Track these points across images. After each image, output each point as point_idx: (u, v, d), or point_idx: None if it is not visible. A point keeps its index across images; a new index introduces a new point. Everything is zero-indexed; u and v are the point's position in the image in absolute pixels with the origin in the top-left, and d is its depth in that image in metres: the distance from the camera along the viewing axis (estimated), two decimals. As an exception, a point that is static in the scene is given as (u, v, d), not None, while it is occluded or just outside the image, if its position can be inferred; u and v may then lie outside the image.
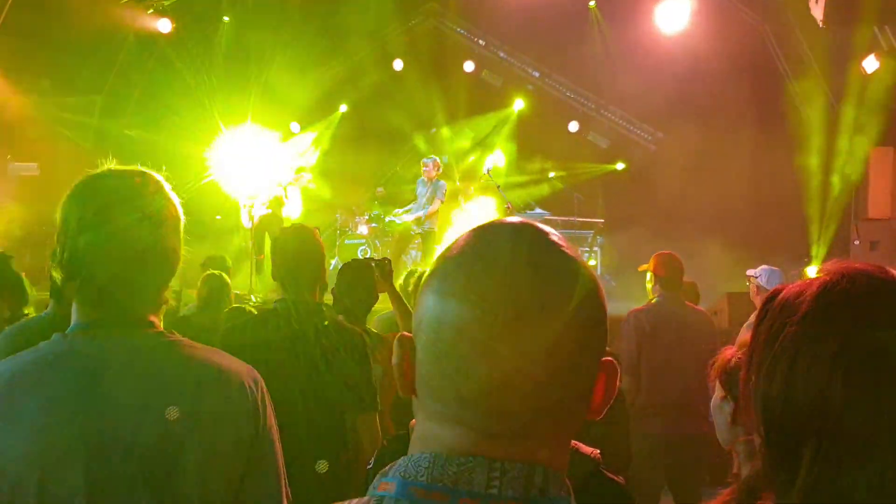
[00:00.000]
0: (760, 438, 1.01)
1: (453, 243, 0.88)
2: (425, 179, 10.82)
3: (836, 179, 9.74)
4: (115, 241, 1.50)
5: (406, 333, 0.87)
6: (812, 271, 5.17)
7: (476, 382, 0.79)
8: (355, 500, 0.83)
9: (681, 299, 4.79)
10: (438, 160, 11.08)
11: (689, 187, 12.38)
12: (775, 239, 11.84)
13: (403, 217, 10.93)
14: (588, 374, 0.84)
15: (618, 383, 0.87)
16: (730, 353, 2.02)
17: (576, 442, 1.73)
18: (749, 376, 1.04)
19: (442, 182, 10.94)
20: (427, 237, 10.73)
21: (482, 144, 15.20)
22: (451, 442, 0.81)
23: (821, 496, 0.93)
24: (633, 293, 9.56)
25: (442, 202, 10.79)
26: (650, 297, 4.85)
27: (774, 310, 1.04)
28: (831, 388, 0.92)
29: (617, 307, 7.69)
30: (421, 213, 10.65)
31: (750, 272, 5.35)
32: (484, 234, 0.85)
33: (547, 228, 0.88)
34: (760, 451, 1.02)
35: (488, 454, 0.80)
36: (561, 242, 0.85)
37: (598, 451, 1.69)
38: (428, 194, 10.74)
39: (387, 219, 11.53)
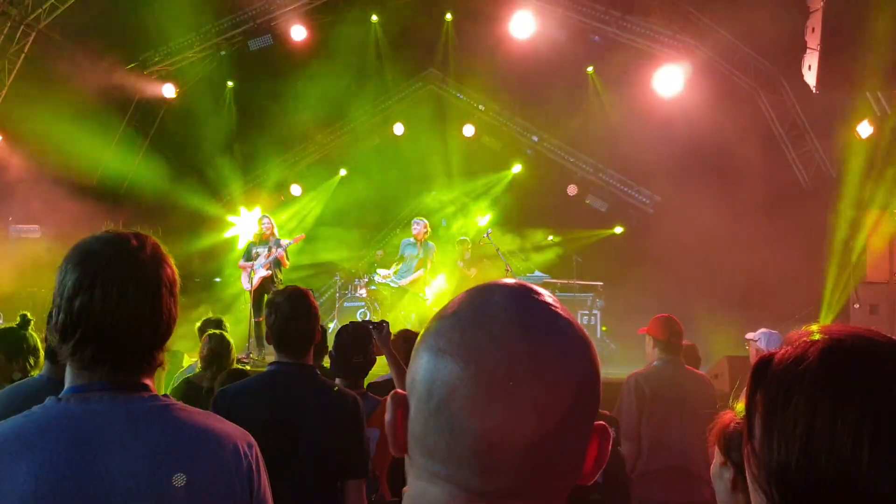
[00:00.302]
0: None
1: (449, 303, 0.88)
2: (414, 240, 10.83)
3: (835, 243, 9.76)
4: (108, 304, 1.50)
5: (400, 391, 0.87)
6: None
7: (468, 439, 0.78)
8: None
9: (681, 362, 4.75)
10: (427, 222, 11.15)
11: (688, 250, 12.43)
12: (775, 302, 11.84)
13: (393, 279, 10.88)
14: (580, 436, 0.83)
15: (609, 448, 0.86)
16: (728, 417, 1.98)
17: None
18: (752, 447, 1.00)
19: (431, 244, 10.99)
20: (413, 299, 10.75)
21: (480, 207, 15.36)
22: (440, 501, 0.81)
23: None
24: (632, 356, 9.52)
25: (431, 265, 10.85)
26: (649, 360, 4.81)
27: (773, 377, 1.00)
28: (858, 455, 0.89)
29: (617, 371, 7.67)
30: (414, 277, 10.66)
31: (749, 335, 5.32)
32: (479, 295, 0.86)
33: (541, 290, 0.88)
34: None
35: None
36: (555, 304, 0.86)
37: None
38: (420, 255, 10.75)
39: (376, 279, 11.50)
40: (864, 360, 0.95)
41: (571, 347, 0.82)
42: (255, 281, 9.92)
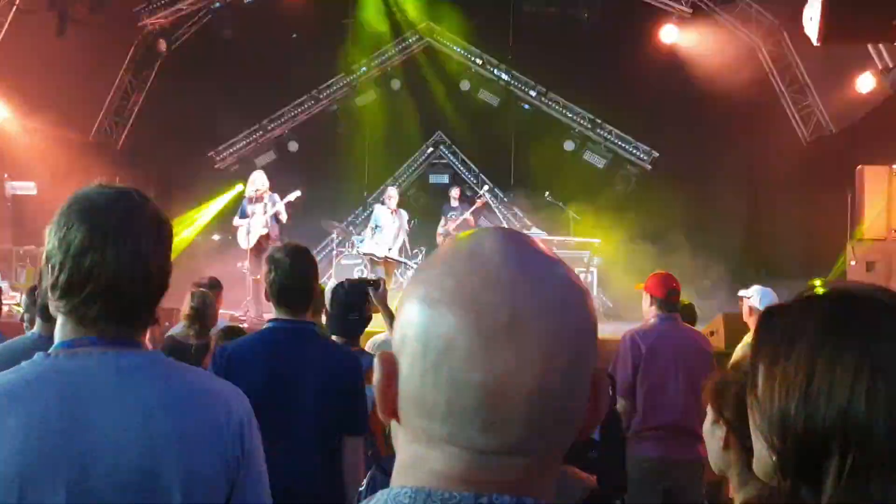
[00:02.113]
0: (776, 456, 1.00)
1: (437, 251, 0.85)
2: (388, 210, 10.89)
3: (830, 197, 9.76)
4: (121, 261, 1.49)
5: (387, 351, 0.82)
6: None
7: (471, 392, 0.74)
8: None
9: (677, 320, 4.76)
10: (398, 190, 11.47)
11: (686, 206, 12.41)
12: (772, 260, 11.87)
13: (372, 247, 10.95)
14: (582, 385, 0.79)
15: (606, 399, 0.83)
16: (721, 375, 2.00)
17: (571, 467, 1.71)
18: (755, 396, 1.03)
19: (403, 211, 11.14)
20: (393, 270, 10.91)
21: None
22: (441, 466, 0.77)
23: None
24: (629, 314, 9.56)
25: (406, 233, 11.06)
26: (647, 317, 4.83)
27: (777, 328, 1.03)
28: (854, 402, 0.93)
29: (613, 328, 7.71)
30: (393, 251, 10.82)
31: (742, 293, 5.33)
32: (469, 241, 0.82)
33: (532, 236, 0.86)
34: (777, 468, 1.01)
35: (476, 484, 0.76)
36: (547, 250, 0.83)
37: (595, 478, 1.66)
38: (396, 224, 10.86)
39: (360, 248, 11.55)
40: (865, 311, 0.99)
41: (570, 294, 0.79)
42: (254, 239, 9.86)
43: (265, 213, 9.89)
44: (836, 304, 1.01)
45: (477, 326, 0.75)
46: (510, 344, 0.74)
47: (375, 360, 0.82)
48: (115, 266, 1.48)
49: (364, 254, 11.19)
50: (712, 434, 1.97)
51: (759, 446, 1.04)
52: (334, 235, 12.87)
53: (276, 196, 10.10)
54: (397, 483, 0.80)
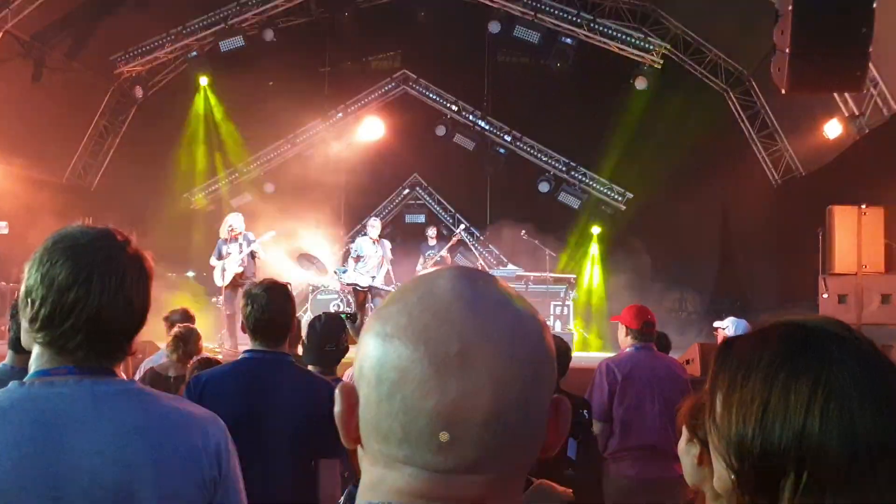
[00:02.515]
0: (734, 476, 1.04)
1: (396, 290, 0.88)
2: (371, 240, 11.02)
3: (801, 235, 9.96)
4: (105, 297, 1.51)
5: (347, 382, 0.86)
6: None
7: (423, 419, 0.77)
8: None
9: (652, 349, 4.83)
10: (380, 221, 11.49)
11: (661, 244, 12.57)
12: (743, 295, 12.02)
13: (356, 277, 11.00)
14: (539, 408, 0.82)
15: (567, 421, 0.86)
16: (696, 397, 2.06)
17: (548, 482, 1.71)
18: (714, 420, 1.08)
19: (386, 241, 11.26)
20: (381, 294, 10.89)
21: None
22: (401, 484, 0.80)
23: None
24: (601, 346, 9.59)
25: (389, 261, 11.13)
26: (623, 347, 4.89)
27: (734, 358, 1.09)
28: (809, 425, 0.98)
29: (590, 358, 7.73)
30: (377, 280, 10.88)
31: (717, 324, 5.41)
32: (423, 280, 0.86)
33: (486, 273, 0.89)
34: (735, 485, 1.05)
35: (438, 499, 0.78)
36: (501, 284, 0.86)
37: (571, 491, 1.67)
38: (380, 252, 10.96)
39: (342, 279, 11.55)
40: (817, 342, 1.04)
41: (522, 322, 0.82)
42: (229, 277, 9.93)
43: (241, 252, 9.94)
44: (789, 335, 1.06)
45: (428, 357, 0.78)
46: (461, 372, 0.77)
47: (336, 391, 0.85)
48: (99, 301, 1.51)
49: (348, 284, 11.23)
50: (687, 452, 2.04)
51: (719, 466, 1.09)
52: (312, 272, 12.87)
53: (251, 234, 10.17)
54: (364, 499, 0.82)
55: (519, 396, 0.79)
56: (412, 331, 0.79)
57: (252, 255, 10.00)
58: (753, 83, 12.60)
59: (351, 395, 0.83)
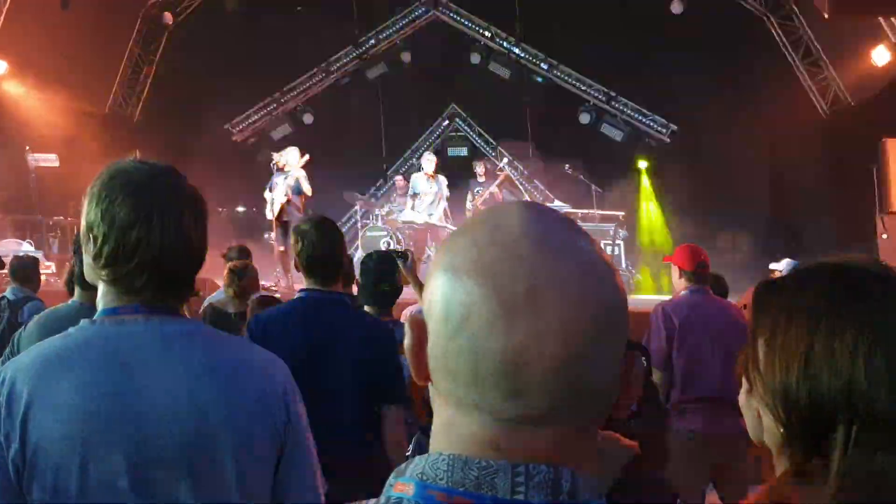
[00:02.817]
0: (782, 428, 1.02)
1: (465, 222, 0.86)
2: (426, 175, 10.87)
3: (854, 170, 9.66)
4: (167, 235, 1.52)
5: (417, 316, 0.83)
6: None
7: (491, 360, 0.74)
8: (372, 501, 0.80)
9: (708, 292, 4.70)
10: (435, 157, 11.28)
11: (708, 180, 12.28)
12: (798, 233, 11.75)
13: (412, 216, 10.97)
14: (610, 360, 0.78)
15: (639, 378, 0.83)
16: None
17: (614, 433, 1.68)
18: (757, 369, 1.05)
19: (442, 177, 11.09)
20: (441, 236, 10.81)
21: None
22: (470, 431, 0.77)
23: (858, 479, 0.94)
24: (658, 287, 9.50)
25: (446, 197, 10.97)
26: (676, 290, 4.78)
27: (775, 301, 1.06)
28: (856, 375, 0.95)
29: (641, 300, 7.65)
30: (434, 217, 10.77)
31: (773, 265, 5.27)
32: (495, 213, 0.83)
33: (557, 211, 0.86)
34: (784, 440, 1.02)
35: (508, 451, 0.75)
36: (573, 224, 0.83)
37: (637, 444, 1.64)
38: (435, 189, 10.83)
39: (400, 217, 11.50)
40: (862, 285, 1.01)
41: (594, 267, 0.78)
42: (276, 209, 10.00)
43: (286, 182, 10.01)
44: (833, 277, 1.03)
45: (495, 295, 0.75)
46: (528, 313, 0.74)
47: (406, 325, 0.83)
48: (161, 240, 1.51)
49: (404, 222, 11.19)
50: (748, 405, 1.96)
51: (767, 419, 1.05)
52: (357, 207, 12.86)
53: (293, 169, 10.20)
54: (434, 448, 0.80)
55: (588, 343, 0.75)
56: (480, 265, 0.77)
57: (298, 187, 9.99)
58: (794, 7, 12.05)
59: (421, 329, 0.82)
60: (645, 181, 14.15)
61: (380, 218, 12.12)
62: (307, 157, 10.34)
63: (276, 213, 9.97)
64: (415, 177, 11.15)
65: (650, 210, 13.90)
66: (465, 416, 0.78)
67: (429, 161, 10.98)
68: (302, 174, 10.02)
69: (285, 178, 10.01)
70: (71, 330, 1.53)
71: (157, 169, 1.59)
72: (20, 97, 11.22)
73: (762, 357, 1.04)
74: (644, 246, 12.81)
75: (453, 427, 0.79)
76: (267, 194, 10.28)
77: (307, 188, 10.07)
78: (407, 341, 0.82)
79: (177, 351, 1.52)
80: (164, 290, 1.55)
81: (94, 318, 1.54)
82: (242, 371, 1.58)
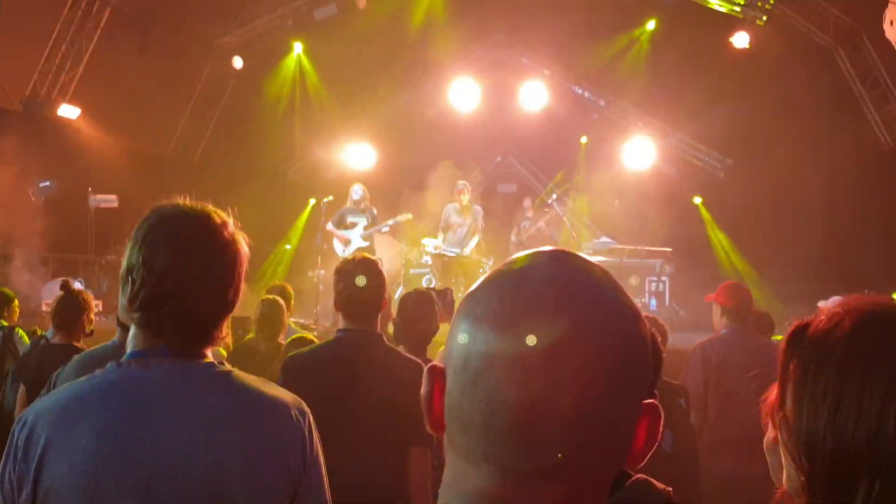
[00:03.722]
0: (804, 476, 1.00)
1: (492, 270, 0.86)
2: (459, 207, 10.41)
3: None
4: (201, 286, 1.56)
5: (437, 364, 0.84)
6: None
7: (504, 412, 0.74)
8: None
9: (749, 331, 4.64)
10: (468, 185, 10.68)
11: (763, 215, 12.06)
12: (852, 269, 11.42)
13: (448, 249, 10.54)
14: (626, 414, 0.78)
15: (661, 428, 0.81)
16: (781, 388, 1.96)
17: (647, 477, 1.70)
18: (784, 415, 1.04)
19: (477, 207, 10.59)
20: (474, 268, 10.42)
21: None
22: (480, 485, 0.77)
23: None
24: (700, 324, 9.31)
25: (481, 231, 10.47)
26: (717, 328, 4.73)
27: (807, 347, 1.03)
28: (883, 428, 0.93)
29: (685, 338, 7.53)
30: (466, 250, 10.33)
31: (822, 304, 5.15)
32: (520, 261, 0.83)
33: (586, 257, 0.85)
34: (804, 488, 1.00)
35: (516, 502, 0.76)
36: (600, 272, 0.82)
37: (671, 490, 1.64)
38: (469, 222, 10.35)
39: (430, 249, 11.11)
40: (893, 333, 0.98)
41: (617, 317, 0.78)
42: (352, 250, 9.77)
43: (369, 226, 9.83)
44: (867, 323, 1.00)
45: (514, 346, 0.75)
46: (546, 367, 0.74)
47: (425, 371, 0.83)
48: (196, 289, 1.55)
49: (433, 254, 10.81)
50: (773, 450, 1.95)
51: (789, 465, 1.04)
52: (403, 245, 12.94)
53: (375, 211, 10.01)
54: (444, 496, 0.81)
55: (606, 400, 0.75)
56: (502, 315, 0.77)
57: (378, 231, 9.83)
58: (864, 38, 11.84)
59: (439, 378, 0.82)
60: (705, 213, 13.94)
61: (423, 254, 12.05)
62: (409, 216, 10.21)
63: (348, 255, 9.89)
64: (448, 207, 10.69)
65: (719, 238, 13.67)
66: (474, 468, 0.77)
67: (460, 190, 10.42)
68: (386, 226, 9.87)
69: (366, 219, 9.81)
70: (97, 372, 1.57)
71: (200, 216, 1.62)
72: (89, 140, 11.67)
73: (790, 403, 1.03)
74: (727, 272, 12.47)
75: (462, 481, 0.79)
76: (332, 226, 9.95)
77: (386, 229, 9.95)
78: (424, 389, 0.83)
79: (198, 396, 1.55)
80: (193, 335, 1.59)
81: (122, 360, 1.58)
82: (261, 415, 1.60)
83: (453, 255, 10.48)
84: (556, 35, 13.41)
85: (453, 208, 10.61)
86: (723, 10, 12.28)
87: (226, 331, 1.68)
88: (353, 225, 9.98)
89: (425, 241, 11.20)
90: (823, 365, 0.99)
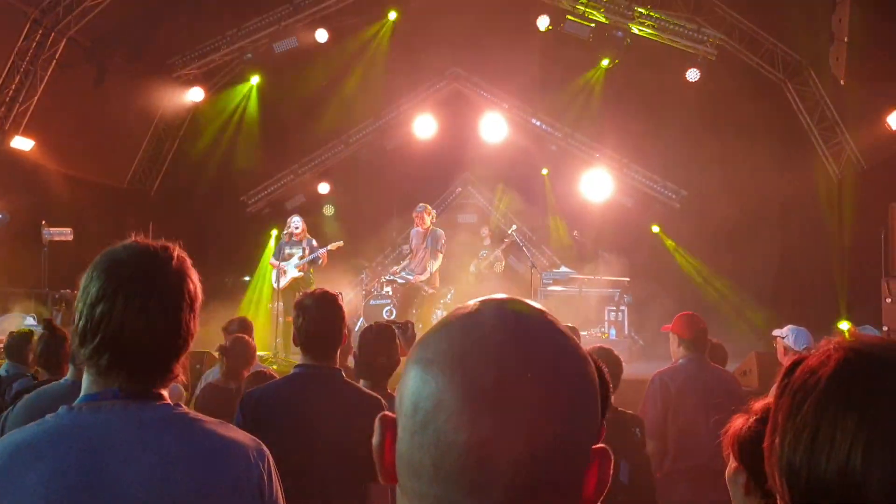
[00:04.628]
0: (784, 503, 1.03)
1: (443, 317, 0.86)
2: (419, 230, 10.34)
3: (862, 234, 9.64)
4: (128, 314, 1.52)
5: (388, 413, 0.83)
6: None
7: (454, 455, 0.74)
8: None
9: (706, 360, 4.70)
10: (427, 207, 10.49)
11: (716, 244, 12.28)
12: (806, 297, 11.67)
13: (404, 276, 10.53)
14: (577, 455, 0.78)
15: (611, 472, 0.81)
16: (741, 421, 1.99)
17: None
18: (773, 444, 1.06)
19: (439, 231, 10.44)
20: (428, 298, 10.38)
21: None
22: None
23: None
24: (659, 353, 9.44)
25: (442, 255, 10.31)
26: (674, 358, 4.77)
27: (796, 382, 1.07)
28: (852, 462, 0.96)
29: (643, 367, 7.62)
30: (422, 277, 10.26)
31: (776, 332, 5.25)
32: (470, 308, 0.83)
33: (534, 303, 0.85)
34: None
35: None
36: (548, 316, 0.82)
37: None
38: (427, 246, 10.22)
39: (386, 277, 11.13)
40: (873, 372, 1.01)
41: (565, 360, 0.79)
42: (286, 281, 9.94)
43: (303, 255, 9.96)
44: (846, 362, 1.04)
45: (462, 387, 0.75)
46: (496, 407, 0.74)
47: (376, 421, 0.83)
48: (122, 318, 1.51)
49: (387, 280, 10.81)
50: (735, 481, 1.98)
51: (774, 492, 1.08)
52: (364, 275, 12.91)
53: (314, 241, 10.14)
54: None
55: (555, 439, 0.75)
56: (451, 356, 0.77)
57: (314, 261, 9.97)
58: (812, 73, 12.21)
59: (391, 428, 0.81)
60: (669, 242, 14.14)
61: (383, 285, 12.03)
62: (340, 243, 10.26)
63: (283, 285, 9.85)
64: (410, 232, 10.63)
65: (690, 262, 13.76)
66: None
67: (417, 213, 10.25)
68: (320, 253, 9.95)
69: (301, 250, 9.96)
70: (47, 417, 1.52)
71: (142, 249, 1.60)
72: (43, 173, 11.49)
73: (778, 432, 1.06)
74: (708, 297, 12.61)
75: None
76: (274, 261, 10.13)
77: (322, 263, 10.04)
78: (375, 439, 0.82)
79: (152, 438, 1.52)
80: (139, 374, 1.55)
81: (74, 404, 1.54)
82: (218, 458, 1.57)
83: (409, 280, 10.42)
84: (513, 71, 13.62)
85: (414, 233, 10.60)
86: (675, 45, 12.56)
87: (180, 369, 1.64)
88: (290, 256, 10.09)
89: (394, 267, 11.17)
90: (805, 399, 1.04)
